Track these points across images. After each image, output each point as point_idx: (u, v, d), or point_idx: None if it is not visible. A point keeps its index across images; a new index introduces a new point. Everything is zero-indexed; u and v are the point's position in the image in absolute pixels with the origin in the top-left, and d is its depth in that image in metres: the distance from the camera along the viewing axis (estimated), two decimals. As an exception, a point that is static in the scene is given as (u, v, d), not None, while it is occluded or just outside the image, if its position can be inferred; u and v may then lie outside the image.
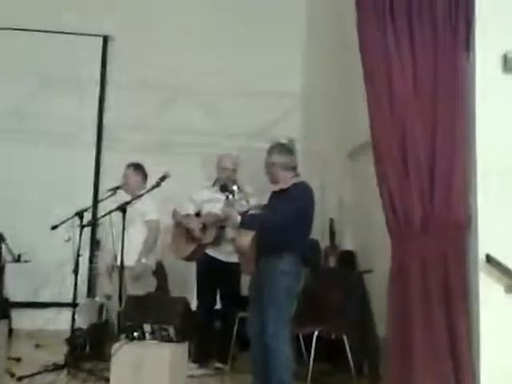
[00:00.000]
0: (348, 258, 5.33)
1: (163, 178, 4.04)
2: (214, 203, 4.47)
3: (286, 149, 3.71)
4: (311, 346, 3.59)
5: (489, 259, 3.14)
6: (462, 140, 3.20)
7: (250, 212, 3.72)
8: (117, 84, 5.84)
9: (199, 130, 5.80)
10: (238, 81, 5.78)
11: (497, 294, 3.15)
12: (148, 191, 4.10)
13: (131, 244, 4.25)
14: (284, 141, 5.99)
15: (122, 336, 3.53)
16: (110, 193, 4.47)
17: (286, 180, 3.62)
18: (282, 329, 3.36)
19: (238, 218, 3.40)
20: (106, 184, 5.50)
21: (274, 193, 3.71)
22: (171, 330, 3.44)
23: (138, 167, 4.66)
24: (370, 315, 3.66)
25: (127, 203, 3.95)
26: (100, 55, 5.93)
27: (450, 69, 3.24)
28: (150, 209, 4.50)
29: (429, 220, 3.15)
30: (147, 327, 3.48)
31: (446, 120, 3.20)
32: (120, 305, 3.77)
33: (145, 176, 4.68)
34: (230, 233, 4.40)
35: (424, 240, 3.14)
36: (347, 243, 5.67)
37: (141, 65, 5.75)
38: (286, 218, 3.43)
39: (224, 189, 3.67)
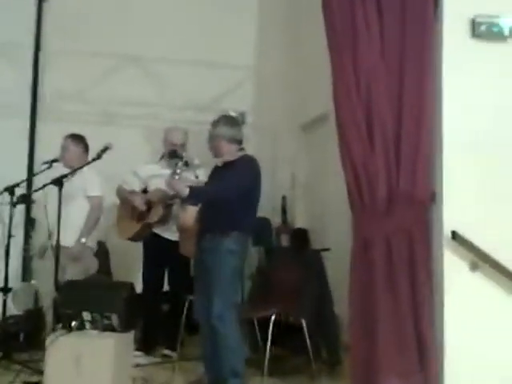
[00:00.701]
0: (301, 236, 5.13)
1: (104, 150, 3.69)
2: (161, 179, 4.14)
3: (232, 121, 3.49)
4: (266, 330, 3.36)
5: (454, 236, 2.99)
6: (428, 112, 3.01)
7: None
8: (53, 49, 5.36)
9: (144, 102, 5.43)
10: (188, 51, 5.45)
11: (462, 271, 3.02)
12: (88, 163, 3.74)
13: (70, 222, 3.90)
14: (233, 113, 5.78)
15: (59, 326, 3.18)
16: (45, 166, 4.08)
17: (232, 153, 3.41)
18: (228, 310, 3.18)
19: (186, 191, 3.13)
20: (41, 158, 5.11)
21: (217, 167, 3.48)
22: (114, 319, 3.12)
23: (78, 138, 4.29)
24: (329, 296, 3.46)
25: (64, 176, 3.59)
26: (34, 17, 5.40)
27: (417, 38, 3.03)
28: (92, 184, 4.15)
29: (394, 196, 2.96)
30: (87, 315, 3.14)
31: (412, 92, 3.00)
32: (56, 290, 3.39)
33: (86, 148, 4.30)
34: (178, 210, 4.12)
35: (389, 216, 2.96)
36: (300, 221, 5.49)
37: (80, 28, 5.32)
38: (233, 192, 3.24)
39: (172, 155, 3.37)
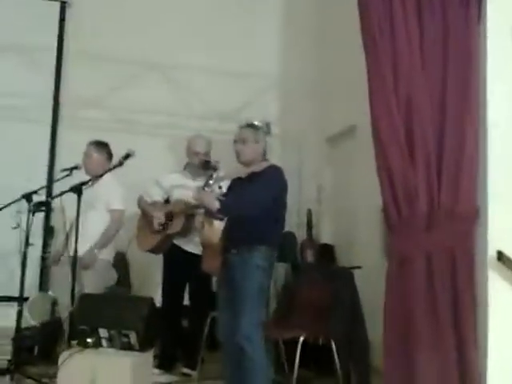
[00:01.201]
0: (327, 252, 4.95)
1: (127, 157, 3.54)
2: (184, 190, 4.01)
3: (264, 129, 3.28)
4: (292, 351, 3.14)
5: (500, 256, 2.77)
6: (473, 125, 2.82)
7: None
8: (76, 55, 5.25)
9: (167, 110, 5.31)
10: (212, 59, 5.32)
11: (508, 294, 2.80)
12: (109, 170, 3.57)
13: (88, 232, 3.75)
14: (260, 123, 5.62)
15: (74, 342, 2.99)
16: (64, 173, 3.94)
17: (258, 162, 3.21)
18: (256, 329, 2.97)
19: (216, 204, 2.95)
20: (62, 165, 4.99)
21: (239, 178, 3.28)
22: (133, 337, 2.92)
23: (101, 145, 4.14)
24: (361, 318, 3.25)
25: (83, 183, 3.43)
26: (57, 22, 5.32)
27: (460, 43, 2.85)
28: (114, 197, 4.00)
29: (435, 212, 2.75)
30: (104, 332, 2.94)
31: (456, 102, 2.81)
32: (72, 303, 3.21)
33: (109, 156, 4.15)
34: (199, 222, 3.94)
35: (430, 234, 2.75)
36: (326, 236, 5.29)
37: (102, 34, 5.20)
38: (263, 205, 3.04)
39: (206, 166, 3.18)
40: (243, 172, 3.22)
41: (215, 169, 3.12)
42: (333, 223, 5.32)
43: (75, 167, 3.99)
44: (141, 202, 4.19)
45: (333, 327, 3.12)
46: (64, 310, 3.89)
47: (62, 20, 5.34)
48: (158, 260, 4.56)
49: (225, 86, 5.32)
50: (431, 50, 2.84)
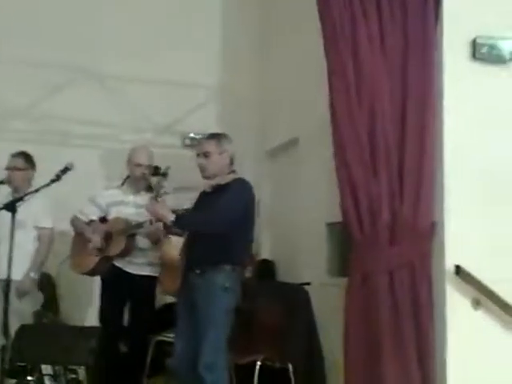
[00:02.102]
0: (267, 269, 4.80)
1: (65, 171, 3.23)
2: (124, 206, 3.77)
3: (226, 138, 3.13)
4: (245, 377, 2.96)
5: (458, 271, 2.76)
6: (431, 135, 2.81)
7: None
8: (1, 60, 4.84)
9: (101, 121, 4.97)
10: (149, 68, 5.04)
11: (465, 309, 2.80)
12: (46, 186, 3.23)
13: (19, 253, 3.40)
14: (194, 135, 5.43)
15: (12, 382, 2.62)
16: (-11, 189, 3.60)
17: (225, 175, 3.03)
18: (220, 358, 2.75)
19: (171, 216, 2.74)
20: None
21: (204, 194, 3.10)
22: (81, 372, 2.60)
23: (29, 157, 3.81)
24: (317, 337, 3.12)
25: (17, 200, 3.09)
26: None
27: (420, 56, 2.85)
28: (44, 213, 3.70)
29: (397, 226, 2.71)
30: (47, 369, 2.61)
31: (415, 110, 2.81)
32: (5, 335, 2.82)
33: (34, 169, 3.84)
34: (141, 240, 3.70)
35: (392, 248, 2.70)
36: (265, 251, 5.15)
37: (30, 37, 4.82)
38: (227, 222, 2.84)
39: (156, 171, 2.95)
40: (208, 185, 3.03)
41: (165, 175, 2.91)
42: (273, 238, 5.20)
43: (1, 182, 3.65)
44: (75, 223, 3.87)
45: (290, 349, 2.98)
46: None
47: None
48: (87, 280, 4.28)
49: (162, 96, 5.08)
50: (392, 56, 2.81)
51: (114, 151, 4.94)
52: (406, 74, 2.79)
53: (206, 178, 3.05)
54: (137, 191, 3.81)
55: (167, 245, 2.84)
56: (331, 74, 2.78)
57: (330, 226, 4.09)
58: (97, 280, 4.00)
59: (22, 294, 3.55)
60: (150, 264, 3.73)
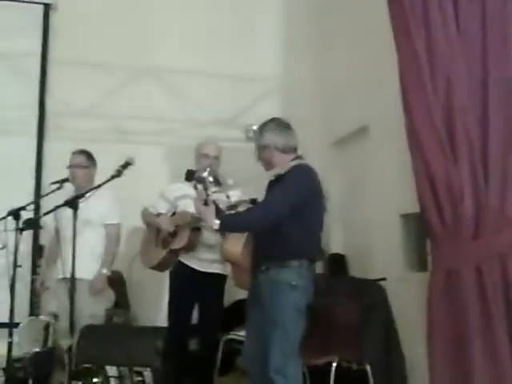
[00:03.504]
0: (338, 263, 4.59)
1: (126, 166, 3.17)
2: (190, 200, 3.63)
3: (283, 125, 2.95)
4: (319, 379, 2.79)
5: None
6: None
7: (233, 210, 2.93)
8: (62, 61, 4.88)
9: (161, 117, 4.95)
10: (208, 62, 4.98)
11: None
12: (107, 181, 3.18)
13: (87, 251, 3.43)
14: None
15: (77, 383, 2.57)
16: (55, 186, 3.59)
17: (285, 164, 2.84)
18: (290, 361, 2.57)
19: (214, 223, 2.59)
20: (49, 179, 4.62)
21: (271, 181, 2.93)
22: (147, 375, 2.51)
23: (90, 155, 3.80)
24: (396, 335, 2.92)
25: (79, 196, 3.04)
26: (41, 26, 4.93)
27: (499, 33, 2.57)
28: (111, 210, 3.68)
29: (483, 217, 2.46)
30: (112, 370, 2.54)
31: (497, 88, 2.53)
32: (71, 333, 2.76)
33: (96, 166, 3.82)
34: (208, 236, 3.60)
35: (478, 241, 2.45)
36: (336, 245, 4.95)
37: (90, 38, 4.83)
38: (275, 216, 2.65)
39: (189, 176, 2.84)
40: (271, 174, 2.88)
41: (199, 179, 2.74)
42: (343, 232, 5.00)
43: (66, 179, 3.66)
44: (145, 214, 3.84)
45: (367, 349, 2.79)
46: (64, 337, 3.51)
47: (45, 24, 4.95)
48: (156, 278, 4.24)
49: (223, 90, 5.00)
50: (469, 38, 2.55)
51: (177, 146, 4.91)
52: (486, 53, 2.53)
53: (268, 171, 2.91)
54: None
55: (227, 241, 2.69)
56: (402, 61, 2.55)
57: (405, 217, 3.88)
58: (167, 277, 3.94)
59: (95, 292, 3.55)
60: (218, 261, 3.64)
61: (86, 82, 4.81)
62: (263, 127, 2.91)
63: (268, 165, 2.91)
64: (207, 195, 2.66)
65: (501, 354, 2.37)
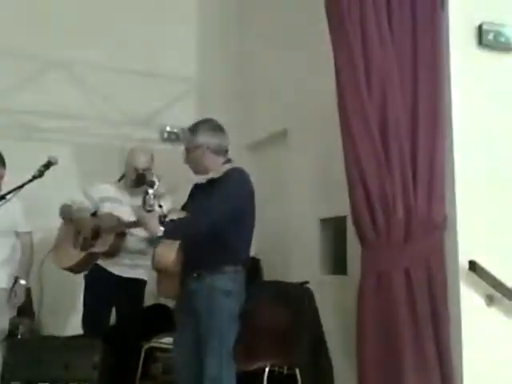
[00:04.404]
0: (252, 267, 4.61)
1: (48, 165, 2.95)
2: (118, 204, 3.52)
3: (216, 126, 2.86)
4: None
5: (472, 266, 2.65)
6: (442, 127, 2.69)
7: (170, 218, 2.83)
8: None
9: (72, 114, 4.69)
10: (124, 59, 4.79)
11: (480, 304, 2.71)
12: (28, 182, 2.92)
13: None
14: (174, 129, 5.19)
15: None
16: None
17: (217, 167, 2.78)
18: (227, 369, 2.53)
19: (159, 231, 2.50)
20: None
21: (197, 186, 2.86)
22: None
23: (1, 156, 3.51)
24: (323, 338, 2.96)
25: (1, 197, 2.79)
26: None
27: (428, 46, 2.71)
28: (21, 217, 3.41)
29: (411, 222, 2.56)
30: None
31: (427, 102, 2.67)
32: None
33: (4, 166, 3.54)
34: (132, 242, 3.46)
35: (407, 245, 2.56)
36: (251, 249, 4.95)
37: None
38: (222, 218, 2.60)
39: (140, 181, 2.71)
40: (202, 178, 2.79)
41: (151, 185, 2.63)
42: (258, 235, 5.01)
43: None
44: (64, 210, 3.55)
45: (298, 353, 2.80)
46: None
47: None
48: (62, 284, 4.00)
49: (138, 88, 4.82)
50: (401, 47, 2.66)
51: (89, 146, 4.69)
52: (416, 63, 2.65)
53: (196, 173, 2.83)
54: (134, 192, 3.56)
55: (160, 249, 2.58)
56: (339, 67, 2.61)
57: (324, 221, 3.96)
58: (80, 283, 3.74)
59: (17, 304, 3.37)
60: (137, 266, 3.52)
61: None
62: (196, 127, 2.83)
63: (198, 166, 2.83)
64: (154, 202, 2.53)
65: (427, 351, 2.48)
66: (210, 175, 2.72)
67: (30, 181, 2.89)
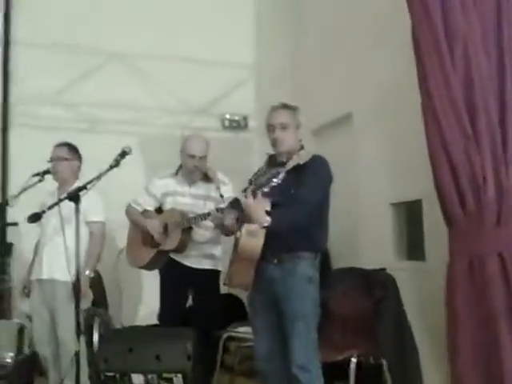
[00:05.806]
0: (325, 255, 4.50)
1: (123, 155, 2.92)
2: (179, 197, 3.49)
3: (299, 111, 2.78)
4: (338, 375, 2.68)
5: None
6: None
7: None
8: (26, 46, 4.54)
9: (133, 105, 4.71)
10: (181, 48, 4.78)
11: None
12: (105, 173, 2.91)
13: (60, 250, 3.13)
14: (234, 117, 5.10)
15: None
16: (35, 179, 3.32)
17: (296, 149, 2.65)
18: (313, 356, 2.46)
19: (266, 220, 2.39)
20: (15, 171, 4.32)
21: (276, 164, 2.63)
22: (178, 381, 2.30)
23: (69, 147, 3.51)
24: (408, 326, 2.83)
25: (81, 189, 2.74)
26: (3, 8, 4.58)
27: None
28: (95, 207, 3.36)
29: (504, 199, 2.39)
30: (138, 379, 2.31)
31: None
32: (78, 339, 2.44)
33: (79, 159, 3.55)
34: (199, 234, 3.44)
35: (500, 227, 2.39)
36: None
37: (56, 22, 4.54)
38: (317, 208, 2.55)
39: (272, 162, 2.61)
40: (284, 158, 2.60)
41: (281, 164, 2.48)
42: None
43: (47, 171, 3.38)
44: (130, 213, 3.59)
45: (383, 344, 2.69)
46: (43, 345, 3.25)
47: (7, 6, 4.58)
48: (134, 276, 4.02)
49: (196, 77, 4.80)
50: (485, 11, 2.48)
51: (149, 136, 4.69)
52: (500, 24, 2.47)
53: (280, 153, 2.67)
54: (192, 181, 3.52)
55: (245, 236, 2.48)
56: (418, 39, 2.46)
57: (395, 206, 3.82)
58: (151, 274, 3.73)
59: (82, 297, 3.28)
60: (207, 257, 3.49)
61: (52, 68, 4.51)
62: (296, 108, 2.74)
63: (293, 146, 2.67)
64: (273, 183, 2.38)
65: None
66: (296, 160, 2.55)
67: (108, 171, 2.88)
